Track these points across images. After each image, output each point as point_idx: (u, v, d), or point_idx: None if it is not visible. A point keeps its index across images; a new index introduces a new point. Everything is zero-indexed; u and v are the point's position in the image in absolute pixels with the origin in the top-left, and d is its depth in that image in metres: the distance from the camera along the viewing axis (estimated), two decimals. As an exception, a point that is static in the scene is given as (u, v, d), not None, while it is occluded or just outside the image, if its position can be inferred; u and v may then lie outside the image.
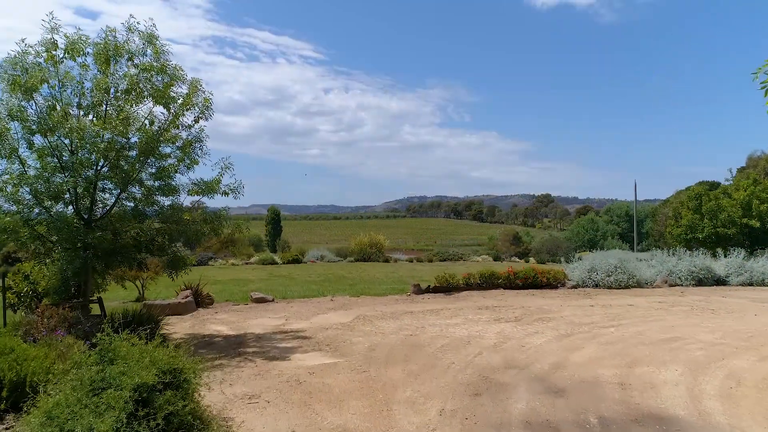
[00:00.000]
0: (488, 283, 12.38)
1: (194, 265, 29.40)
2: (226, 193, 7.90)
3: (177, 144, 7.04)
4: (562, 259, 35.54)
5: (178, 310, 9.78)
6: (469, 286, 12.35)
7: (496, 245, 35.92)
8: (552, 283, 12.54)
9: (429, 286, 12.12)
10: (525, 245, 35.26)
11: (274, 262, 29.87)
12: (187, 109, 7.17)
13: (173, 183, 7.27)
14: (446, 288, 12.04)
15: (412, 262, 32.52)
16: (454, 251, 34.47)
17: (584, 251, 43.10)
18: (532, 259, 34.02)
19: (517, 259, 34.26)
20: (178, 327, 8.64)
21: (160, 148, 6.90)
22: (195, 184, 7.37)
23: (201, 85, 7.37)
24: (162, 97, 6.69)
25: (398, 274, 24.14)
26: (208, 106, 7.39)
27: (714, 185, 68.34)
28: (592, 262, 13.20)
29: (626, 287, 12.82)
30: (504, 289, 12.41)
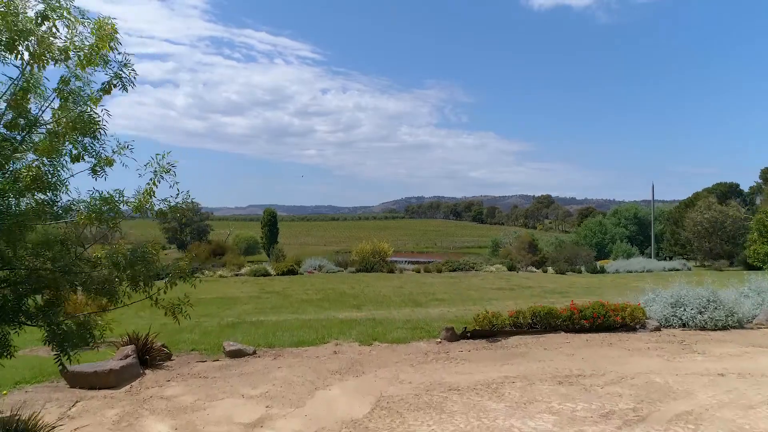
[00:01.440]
0: (544, 323, 9.22)
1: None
2: (162, 213, 4.75)
3: (57, 127, 3.85)
4: (583, 269, 32.43)
5: (109, 381, 6.59)
6: (518, 328, 9.18)
7: (510, 253, 32.80)
8: (628, 324, 9.37)
9: (466, 329, 8.94)
10: (542, 253, 32.13)
11: (267, 274, 26.73)
12: (88, 64, 4.01)
13: (58, 199, 4.11)
14: (489, 332, 8.87)
15: (419, 272, 29.38)
16: (465, 260, 31.34)
17: (607, 259, 39.65)
18: (550, 269, 30.91)
19: (534, 269, 31.15)
20: (92, 424, 5.45)
21: (18, 134, 3.75)
22: (103, 199, 4.20)
23: (115, 31, 4.21)
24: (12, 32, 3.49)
25: (407, 290, 20.98)
26: (125, 64, 4.24)
27: (733, 187, 65.30)
28: (677, 294, 10.04)
29: (723, 328, 9.68)
30: (566, 332, 9.23)
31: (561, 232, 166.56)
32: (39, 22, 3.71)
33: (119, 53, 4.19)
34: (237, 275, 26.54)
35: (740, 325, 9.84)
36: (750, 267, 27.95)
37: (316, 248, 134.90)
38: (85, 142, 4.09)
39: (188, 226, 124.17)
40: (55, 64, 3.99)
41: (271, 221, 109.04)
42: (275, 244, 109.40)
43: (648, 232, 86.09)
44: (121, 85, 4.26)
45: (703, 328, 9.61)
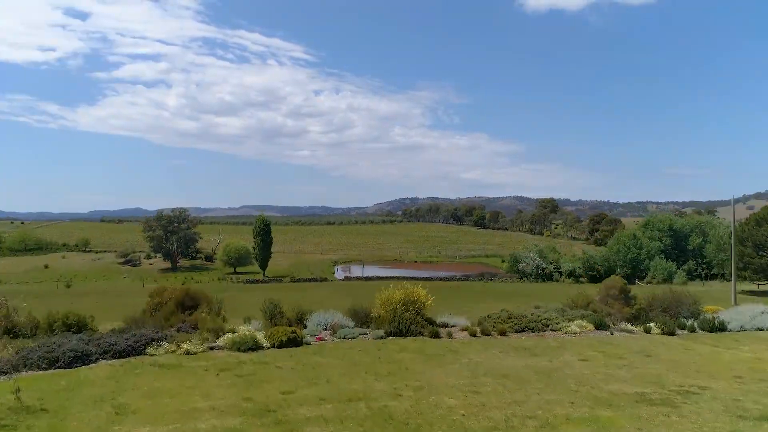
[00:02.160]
0: None
1: (118, 357, 16.36)
2: None
3: None
4: (695, 324, 23.65)
5: None
6: None
7: (592, 301, 24.12)
8: None
9: None
10: (637, 303, 23.49)
11: (256, 346, 18.00)
12: None
13: None
14: None
15: (476, 336, 20.75)
16: (534, 313, 22.66)
17: (713, 305, 30.26)
18: (653, 326, 22.27)
19: (630, 327, 22.51)
20: None
21: None
22: None
23: None
24: None
25: (490, 399, 12.26)
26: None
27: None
28: None
29: None
30: None
31: (570, 239, 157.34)
32: None
33: None
34: (212, 348, 17.72)
35: None
36: None
37: (313, 257, 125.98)
38: None
39: (174, 234, 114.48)
40: None
41: (263, 230, 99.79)
42: (269, 256, 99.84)
43: (684, 245, 77.67)
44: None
45: None
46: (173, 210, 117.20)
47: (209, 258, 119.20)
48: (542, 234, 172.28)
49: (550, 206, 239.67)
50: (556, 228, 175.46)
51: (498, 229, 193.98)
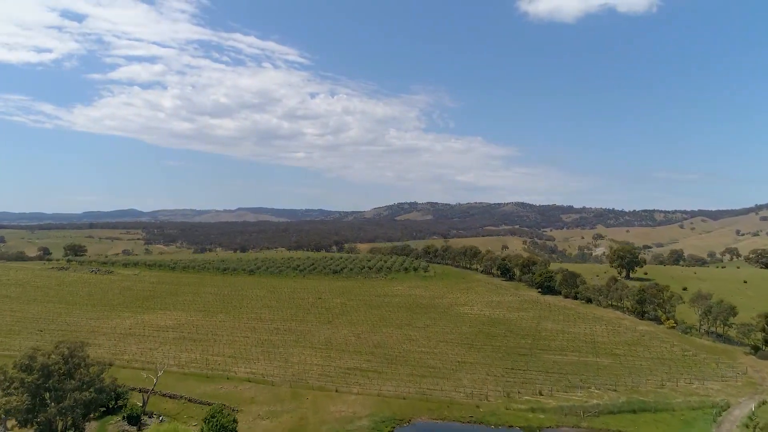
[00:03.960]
0: None
1: None
2: None
3: None
4: None
5: None
6: None
7: None
8: None
9: None
10: None
11: None
12: None
13: None
14: None
15: None
16: None
17: None
18: None
19: None
20: None
21: None
22: None
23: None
24: None
25: None
26: None
27: None
28: None
29: None
30: None
31: (717, 338, 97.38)
32: None
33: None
34: None
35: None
36: None
37: (323, 415, 68.01)
38: None
39: (61, 396, 54.15)
40: None
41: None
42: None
43: None
44: None
45: None
46: (57, 345, 58.48)
47: (134, 420, 61.77)
48: (659, 321, 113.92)
49: (629, 256, 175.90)
50: (670, 305, 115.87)
51: (577, 298, 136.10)
